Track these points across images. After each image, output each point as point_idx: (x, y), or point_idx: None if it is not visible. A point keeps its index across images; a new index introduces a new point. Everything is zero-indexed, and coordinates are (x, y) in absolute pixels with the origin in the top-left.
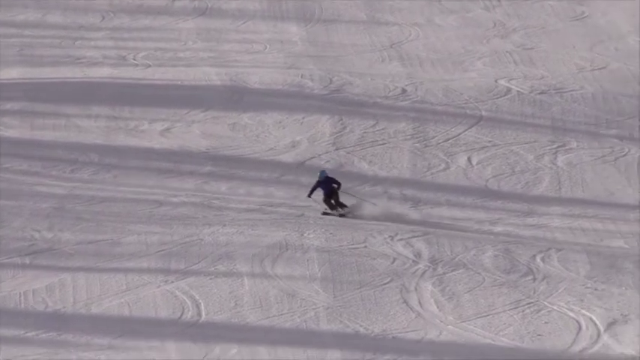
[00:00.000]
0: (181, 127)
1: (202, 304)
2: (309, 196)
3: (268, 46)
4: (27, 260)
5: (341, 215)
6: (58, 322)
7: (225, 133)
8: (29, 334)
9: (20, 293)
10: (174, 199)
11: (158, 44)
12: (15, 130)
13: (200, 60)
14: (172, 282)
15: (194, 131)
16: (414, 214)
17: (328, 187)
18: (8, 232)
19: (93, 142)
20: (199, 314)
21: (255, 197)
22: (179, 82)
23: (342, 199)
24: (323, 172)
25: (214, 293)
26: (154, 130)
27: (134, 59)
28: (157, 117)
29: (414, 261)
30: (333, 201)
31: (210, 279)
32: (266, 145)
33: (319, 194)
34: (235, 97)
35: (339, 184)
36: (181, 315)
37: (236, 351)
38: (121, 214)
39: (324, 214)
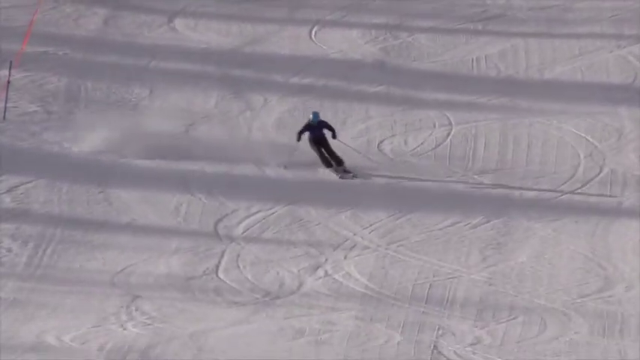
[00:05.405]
0: None
1: None
2: (298, 139)
3: None
4: (479, 26)
5: (341, 177)
6: (511, 87)
7: None
8: (481, 100)
9: (473, 59)
10: None
11: None
12: None
13: None
14: (625, 47)
15: None
16: None
17: (318, 132)
18: None
19: None
20: None
21: None
22: None
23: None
24: (316, 114)
25: None
26: None
27: None
28: None
29: None
30: (325, 152)
31: None
32: None
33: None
34: None
35: (333, 130)
36: (634, 80)
37: None
38: None
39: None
